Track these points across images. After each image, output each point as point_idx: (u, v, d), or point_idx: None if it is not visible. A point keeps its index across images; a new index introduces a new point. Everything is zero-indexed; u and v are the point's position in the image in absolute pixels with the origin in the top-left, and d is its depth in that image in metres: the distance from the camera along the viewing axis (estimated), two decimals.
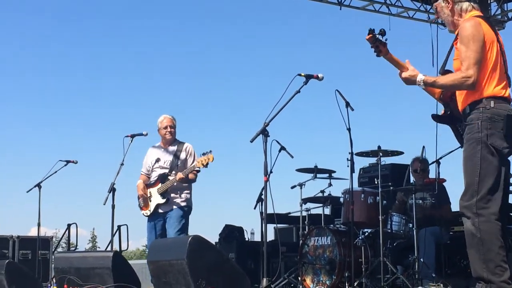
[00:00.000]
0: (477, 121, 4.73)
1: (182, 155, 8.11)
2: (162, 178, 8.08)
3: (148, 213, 8.14)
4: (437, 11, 5.12)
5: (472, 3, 5.02)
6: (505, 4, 13.94)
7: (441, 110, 5.26)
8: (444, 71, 5.01)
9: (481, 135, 4.70)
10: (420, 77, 4.83)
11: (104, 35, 66.66)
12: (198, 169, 8.02)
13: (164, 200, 8.00)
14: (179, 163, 8.08)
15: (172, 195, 8.02)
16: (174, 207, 8.01)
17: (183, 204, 8.03)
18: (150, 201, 8.12)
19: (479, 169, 4.69)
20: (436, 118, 5.22)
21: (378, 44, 4.80)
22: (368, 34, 4.78)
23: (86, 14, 64.12)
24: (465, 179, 4.80)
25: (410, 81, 4.89)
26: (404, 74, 4.88)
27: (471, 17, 4.90)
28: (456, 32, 4.93)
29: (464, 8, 4.99)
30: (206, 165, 7.81)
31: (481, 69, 4.74)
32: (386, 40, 4.82)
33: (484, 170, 4.69)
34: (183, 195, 8.04)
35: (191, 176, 7.98)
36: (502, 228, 4.70)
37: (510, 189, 8.86)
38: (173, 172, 8.05)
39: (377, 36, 4.78)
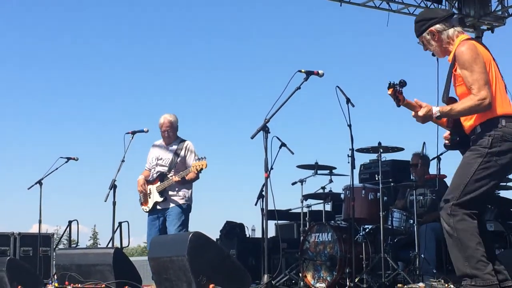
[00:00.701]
0: (488, 137, 4.75)
1: (182, 153, 8.12)
2: (161, 176, 8.10)
3: (147, 209, 8.18)
4: (424, 44, 5.11)
5: (456, 28, 5.02)
6: (506, 0, 13.92)
7: (447, 136, 5.21)
8: (449, 99, 5.01)
9: (487, 150, 4.72)
10: (435, 109, 4.80)
11: (104, 29, 66.59)
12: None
13: (162, 199, 8.02)
14: (178, 161, 8.09)
15: (170, 193, 8.04)
16: (173, 204, 8.02)
17: (181, 202, 8.03)
18: (150, 198, 8.15)
19: (470, 179, 4.73)
20: (447, 147, 5.21)
21: (398, 95, 4.78)
22: (389, 89, 4.75)
23: (87, 6, 64.03)
24: (452, 180, 4.88)
25: (427, 117, 4.85)
26: (421, 112, 4.81)
27: (464, 41, 4.90)
28: (451, 59, 4.93)
29: (451, 34, 4.98)
30: (199, 171, 7.83)
31: (490, 90, 4.75)
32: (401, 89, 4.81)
33: (473, 181, 4.73)
34: (181, 193, 8.05)
35: (190, 176, 7.97)
36: (481, 226, 4.76)
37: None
38: (172, 170, 8.06)
39: (398, 88, 4.76)
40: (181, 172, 7.94)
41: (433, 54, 5.13)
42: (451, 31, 4.99)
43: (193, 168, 7.82)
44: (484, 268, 4.66)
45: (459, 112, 4.83)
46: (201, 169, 7.79)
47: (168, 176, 8.04)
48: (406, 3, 13.89)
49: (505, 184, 8.65)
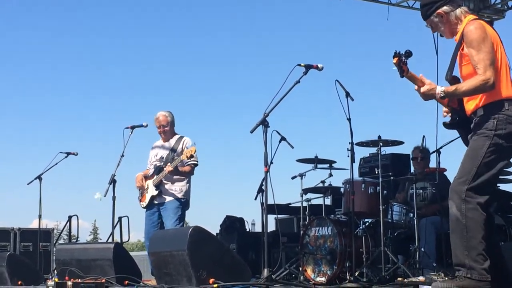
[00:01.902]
0: (493, 119, 4.75)
1: (179, 149, 8.12)
2: (158, 170, 8.11)
3: (144, 205, 8.21)
4: (432, 27, 5.09)
5: (462, 8, 5.02)
6: None
7: (448, 116, 5.20)
8: (452, 78, 5.00)
9: (494, 133, 4.73)
10: (439, 89, 4.80)
11: (102, 26, 66.57)
12: (195, 162, 8.04)
13: (157, 192, 8.04)
14: (175, 156, 8.09)
15: (166, 186, 8.05)
16: (169, 198, 8.03)
17: (178, 195, 8.03)
18: (147, 192, 8.17)
19: (481, 162, 4.73)
20: (447, 125, 5.21)
21: (402, 65, 4.77)
22: (394, 57, 4.74)
23: (86, 6, 64.01)
24: (462, 164, 4.84)
25: (429, 95, 4.86)
26: (423, 89, 4.83)
27: (472, 20, 4.88)
28: (458, 38, 4.92)
29: (458, 14, 4.97)
30: (190, 157, 7.81)
31: (495, 70, 4.74)
32: (407, 59, 4.79)
33: (484, 164, 4.73)
34: (177, 187, 8.05)
35: (185, 169, 7.97)
36: (489, 220, 4.77)
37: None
38: (170, 164, 8.06)
39: (403, 58, 4.74)
40: (173, 162, 7.92)
41: (441, 35, 5.12)
42: (458, 11, 4.97)
43: (183, 156, 7.81)
44: (483, 262, 4.67)
45: (463, 92, 4.81)
46: (191, 155, 7.77)
47: (164, 168, 8.03)
48: None
49: (504, 177, 8.64)
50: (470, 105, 4.93)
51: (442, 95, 4.80)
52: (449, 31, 5.03)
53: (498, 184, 8.33)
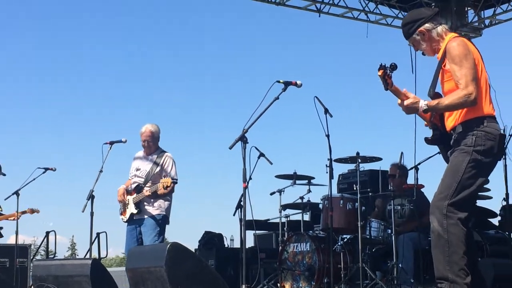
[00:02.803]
0: (472, 136, 4.79)
1: (160, 164, 8.08)
2: (138, 188, 8.08)
3: (125, 219, 8.17)
4: (414, 45, 5.13)
5: (444, 25, 5.07)
6: (482, 12, 14.06)
7: (429, 132, 5.25)
8: (435, 94, 5.04)
9: (473, 149, 4.77)
10: (423, 103, 4.83)
11: (79, 38, 66.37)
12: (175, 180, 8.02)
13: (136, 211, 8.01)
14: (156, 172, 8.05)
15: (145, 204, 8.01)
16: (148, 215, 7.99)
17: (156, 212, 7.99)
18: (127, 208, 8.13)
19: (461, 177, 4.76)
20: (428, 141, 5.25)
21: (387, 78, 4.79)
22: (379, 70, 4.75)
23: (62, 14, 63.79)
24: (443, 180, 4.87)
25: (412, 108, 4.87)
26: (407, 102, 4.85)
27: (455, 37, 4.94)
28: (441, 55, 4.96)
29: (440, 32, 5.02)
30: (165, 188, 7.79)
31: (477, 86, 4.78)
32: (392, 72, 4.81)
33: (464, 180, 4.77)
34: (156, 204, 8.01)
35: (164, 191, 7.93)
36: (468, 235, 4.80)
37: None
38: (149, 182, 8.04)
39: (388, 71, 4.77)
40: (152, 187, 7.92)
41: (423, 54, 5.16)
42: (439, 28, 5.02)
43: (160, 185, 7.80)
44: (464, 277, 4.69)
45: (446, 106, 4.84)
46: (167, 186, 7.76)
47: (144, 188, 8.02)
48: (384, 14, 13.97)
49: (481, 193, 8.70)
50: (450, 121, 4.98)
51: (425, 108, 4.83)
52: (430, 49, 5.07)
53: (475, 201, 8.39)
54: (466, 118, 4.85)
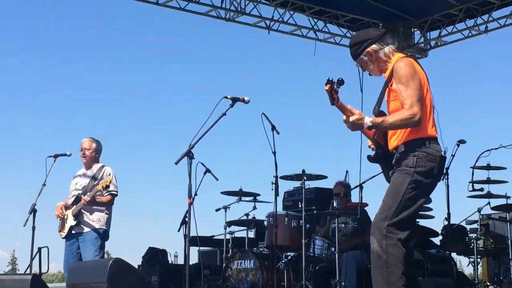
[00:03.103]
0: (413, 157, 4.84)
1: (99, 178, 7.96)
2: (77, 200, 7.93)
3: (64, 235, 7.99)
4: (361, 66, 5.17)
5: (391, 46, 5.12)
6: (428, 33, 14.31)
7: (372, 148, 5.29)
8: (379, 113, 5.08)
9: (414, 170, 4.81)
10: (368, 119, 4.85)
11: (27, 50, 65.54)
12: (114, 192, 7.92)
13: (75, 222, 7.85)
14: (94, 185, 7.93)
15: (85, 217, 7.85)
16: (87, 229, 7.84)
17: (97, 226, 7.85)
18: (66, 223, 7.98)
19: (401, 198, 4.80)
20: (370, 159, 5.29)
21: (333, 93, 4.80)
22: (326, 84, 4.76)
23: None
24: (384, 200, 4.91)
25: (357, 125, 4.88)
26: (353, 118, 4.86)
27: (402, 58, 4.99)
28: (387, 74, 5.01)
29: (387, 52, 5.07)
30: (106, 187, 7.70)
31: (422, 107, 4.83)
32: (338, 88, 4.83)
33: (405, 201, 4.81)
34: (95, 217, 7.86)
35: (103, 199, 7.82)
36: (408, 255, 4.83)
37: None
38: (88, 194, 7.92)
39: (335, 86, 4.78)
40: (90, 192, 7.78)
41: (370, 74, 5.20)
42: (386, 49, 5.07)
43: (99, 186, 7.68)
44: None
45: (390, 124, 4.88)
46: (107, 185, 7.65)
47: (82, 197, 7.87)
48: (333, 33, 14.11)
49: (423, 213, 8.81)
50: (393, 141, 5.03)
51: (369, 124, 4.86)
52: (378, 69, 5.11)
53: (417, 220, 8.49)
54: (408, 139, 4.90)
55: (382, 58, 5.06)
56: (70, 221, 7.91)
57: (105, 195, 7.87)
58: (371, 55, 5.07)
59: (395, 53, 5.10)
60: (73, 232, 7.92)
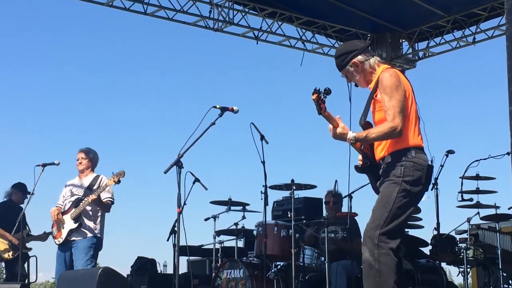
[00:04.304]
0: (400, 166, 4.87)
1: (95, 186, 7.95)
2: (76, 202, 7.87)
3: (61, 241, 7.90)
4: (347, 77, 5.20)
5: (376, 57, 5.16)
6: (416, 44, 14.37)
7: (359, 160, 5.32)
8: (366, 123, 5.11)
9: (402, 179, 4.84)
10: (351, 135, 4.90)
11: (16, 57, 65.39)
12: (112, 200, 7.90)
13: (76, 225, 7.77)
14: (91, 191, 7.90)
15: (86, 220, 7.81)
16: (80, 237, 7.77)
17: (91, 234, 7.80)
18: (63, 228, 7.89)
19: (391, 207, 4.82)
20: (357, 169, 5.31)
21: (321, 103, 4.82)
22: (314, 94, 4.78)
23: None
24: (374, 210, 4.92)
25: (340, 137, 4.94)
26: (337, 130, 4.91)
27: (388, 68, 5.02)
28: (373, 85, 5.04)
29: (372, 63, 5.10)
30: (118, 182, 7.67)
31: (404, 118, 4.86)
32: (326, 97, 4.86)
33: (395, 209, 4.82)
34: (91, 225, 7.80)
35: (106, 201, 7.81)
36: (399, 264, 4.83)
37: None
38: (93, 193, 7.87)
39: (322, 95, 4.80)
40: (98, 189, 7.73)
41: (355, 85, 5.22)
42: (372, 60, 5.10)
43: (110, 181, 7.62)
44: None
45: (373, 138, 4.95)
46: (119, 180, 7.63)
47: (83, 200, 7.81)
48: (321, 43, 14.14)
49: (412, 222, 8.83)
50: (379, 151, 5.06)
51: (352, 141, 4.91)
52: (363, 80, 5.14)
53: (406, 230, 8.51)
54: (394, 149, 4.93)
55: (368, 69, 5.10)
56: (70, 225, 7.81)
57: (103, 200, 7.84)
58: (357, 66, 5.10)
59: (381, 64, 5.14)
60: (68, 238, 7.80)
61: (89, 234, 7.81)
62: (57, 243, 7.95)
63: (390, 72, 4.95)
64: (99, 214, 7.92)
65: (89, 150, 8.17)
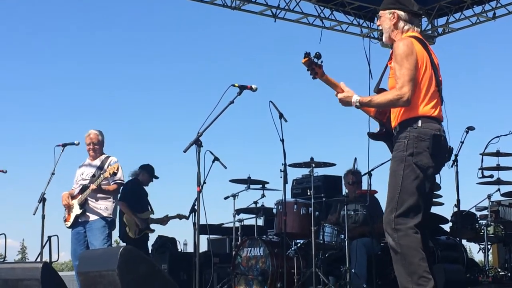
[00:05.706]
0: (404, 139, 4.81)
1: (105, 167, 8.00)
2: (82, 189, 7.97)
3: (69, 225, 8.04)
4: (380, 18, 5.16)
5: (415, 26, 5.09)
6: (435, 20, 14.24)
7: (375, 128, 5.29)
8: (379, 90, 5.07)
9: (405, 154, 4.78)
10: (355, 98, 4.88)
11: (36, 48, 65.58)
12: (121, 181, 7.98)
13: (81, 211, 7.89)
14: (100, 173, 7.97)
15: (91, 205, 7.90)
16: (94, 217, 7.88)
17: (104, 214, 7.90)
18: (71, 212, 8.02)
19: (400, 187, 4.77)
20: (372, 135, 5.27)
21: (314, 67, 4.82)
22: (304, 58, 4.79)
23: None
24: (388, 193, 4.89)
25: (345, 102, 4.93)
26: (340, 96, 4.92)
27: (405, 37, 4.97)
28: (391, 51, 5.00)
29: (406, 29, 5.05)
30: (114, 174, 7.76)
31: (414, 88, 4.81)
32: (321, 62, 4.84)
33: (405, 188, 4.76)
34: (102, 205, 7.91)
35: (109, 187, 7.88)
36: (424, 240, 4.79)
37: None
38: (94, 182, 7.96)
39: (313, 59, 4.80)
40: (97, 180, 7.82)
41: (379, 37, 5.18)
42: (407, 26, 5.05)
43: (106, 174, 7.73)
44: (426, 284, 4.66)
45: (378, 104, 4.91)
46: (114, 172, 7.71)
47: (89, 187, 7.91)
48: (339, 21, 14.05)
49: (433, 199, 8.79)
50: (392, 121, 5.02)
51: (357, 104, 4.89)
52: (388, 36, 5.10)
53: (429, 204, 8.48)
54: (403, 118, 4.88)
55: (399, 29, 5.05)
56: (76, 210, 7.95)
57: (111, 183, 7.92)
58: (393, 17, 5.05)
59: (409, 32, 5.06)
60: (79, 220, 7.95)
61: (102, 214, 7.90)
62: (67, 226, 8.08)
63: (404, 41, 4.90)
64: (110, 194, 8.01)
65: (97, 134, 8.21)
